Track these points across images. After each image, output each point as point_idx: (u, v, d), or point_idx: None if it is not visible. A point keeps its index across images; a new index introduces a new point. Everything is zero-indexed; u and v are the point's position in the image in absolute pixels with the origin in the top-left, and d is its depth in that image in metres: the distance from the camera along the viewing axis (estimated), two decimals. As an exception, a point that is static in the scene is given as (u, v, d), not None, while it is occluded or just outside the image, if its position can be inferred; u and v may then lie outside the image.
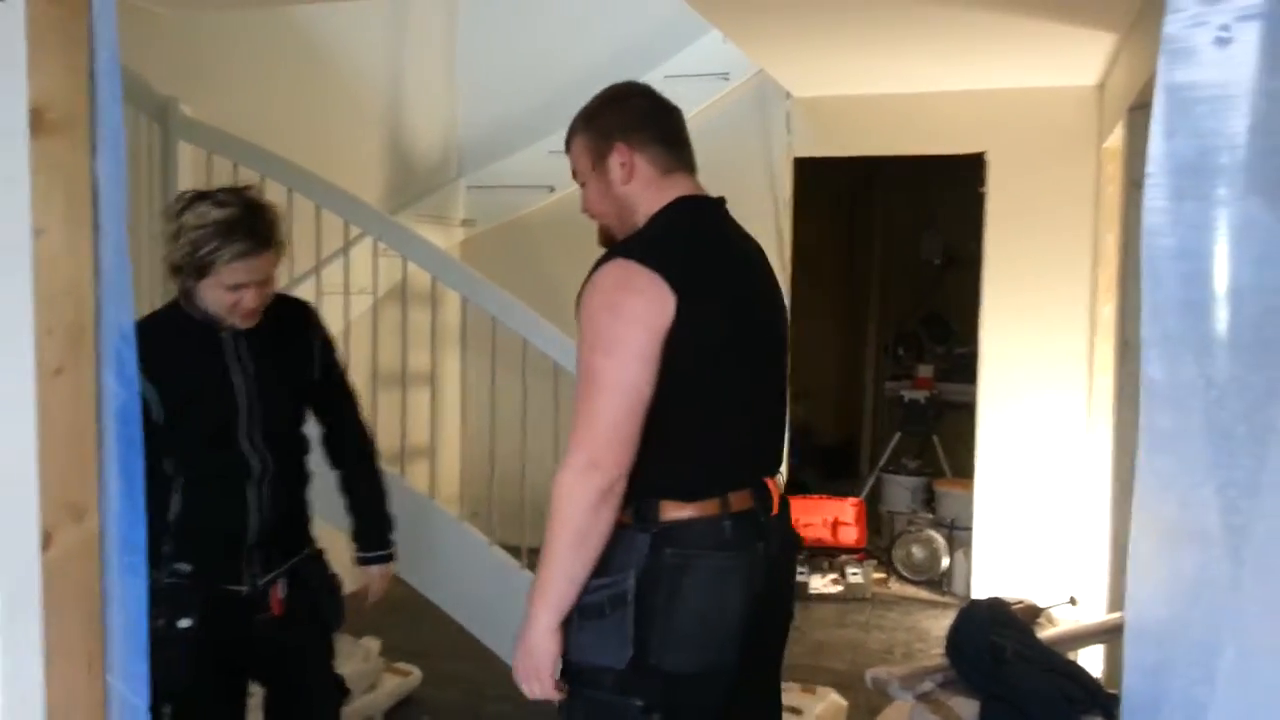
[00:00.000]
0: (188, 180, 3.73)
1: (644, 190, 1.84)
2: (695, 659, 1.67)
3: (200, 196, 2.01)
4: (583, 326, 1.68)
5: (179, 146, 3.70)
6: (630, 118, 1.87)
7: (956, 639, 2.90)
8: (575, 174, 1.94)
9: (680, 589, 1.66)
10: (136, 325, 1.79)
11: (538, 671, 1.65)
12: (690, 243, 1.77)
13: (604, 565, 1.65)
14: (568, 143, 1.93)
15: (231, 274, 1.95)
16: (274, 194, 3.54)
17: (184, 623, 1.99)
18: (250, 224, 1.97)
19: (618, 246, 1.78)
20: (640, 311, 1.63)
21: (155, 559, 1.92)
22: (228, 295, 1.97)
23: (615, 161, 1.84)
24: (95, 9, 1.07)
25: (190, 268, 1.95)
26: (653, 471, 1.64)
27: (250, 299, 1.99)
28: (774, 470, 1.84)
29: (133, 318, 1.08)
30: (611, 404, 1.61)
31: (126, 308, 1.07)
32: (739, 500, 1.71)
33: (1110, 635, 3.25)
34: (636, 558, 1.65)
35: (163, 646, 2.09)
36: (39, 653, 1.14)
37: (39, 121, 1.09)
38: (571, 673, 1.68)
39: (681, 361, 1.63)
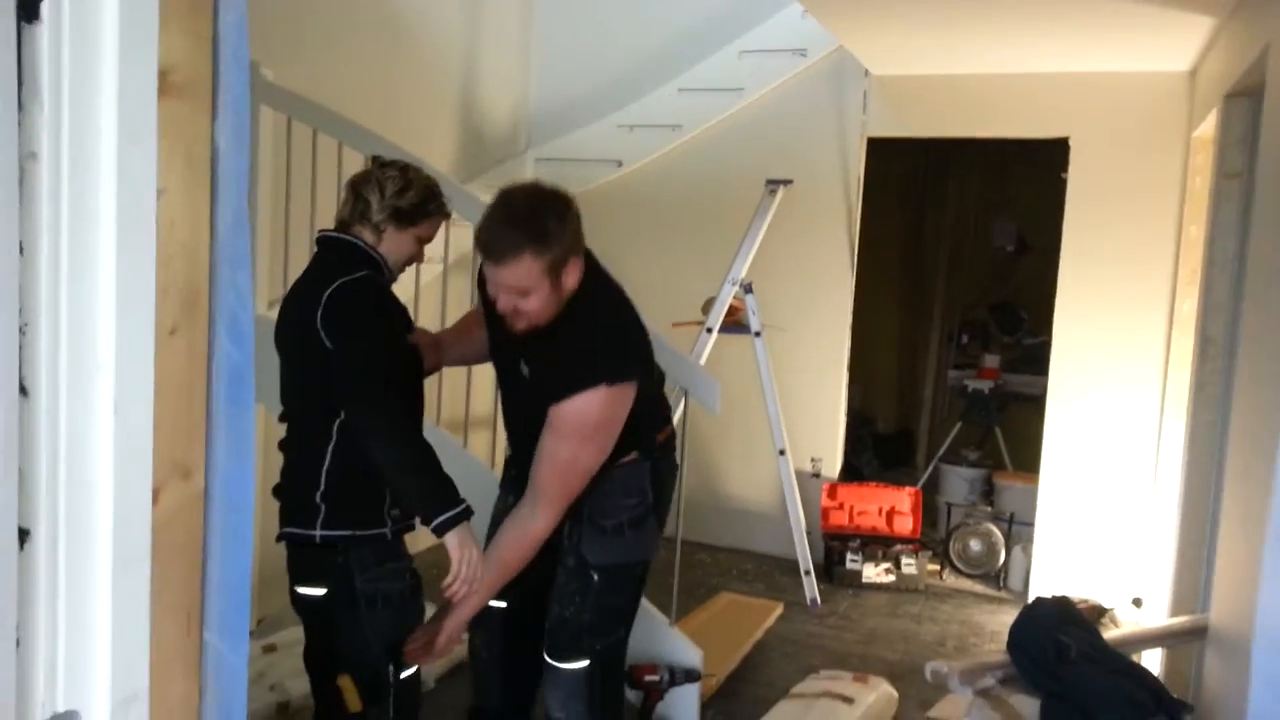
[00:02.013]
0: (268, 144, 3.78)
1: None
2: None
3: (403, 164, 2.29)
4: (575, 425, 2.13)
5: (260, 110, 3.74)
6: (579, 229, 2.16)
7: (1020, 635, 2.86)
8: (516, 290, 2.09)
9: (669, 489, 2.45)
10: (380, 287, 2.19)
11: (453, 639, 2.21)
12: (632, 319, 2.31)
13: (628, 489, 2.32)
14: (511, 255, 2.05)
15: (431, 227, 2.26)
16: (352, 160, 3.59)
17: (414, 569, 2.26)
18: (442, 194, 2.30)
19: (600, 369, 2.13)
20: (623, 412, 2.17)
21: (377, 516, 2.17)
22: (415, 247, 2.26)
23: (572, 273, 2.12)
24: (221, -31, 1.07)
25: (406, 214, 2.21)
26: (644, 427, 2.30)
27: (423, 254, 2.31)
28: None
29: (251, 279, 1.09)
30: (582, 481, 2.20)
31: (245, 269, 1.08)
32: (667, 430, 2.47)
33: (1177, 639, 3.18)
34: (648, 479, 2.35)
35: (410, 601, 2.22)
36: (146, 604, 1.16)
37: (164, 84, 1.10)
38: (624, 573, 2.37)
39: (642, 397, 2.22)
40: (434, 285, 4.27)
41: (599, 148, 5.45)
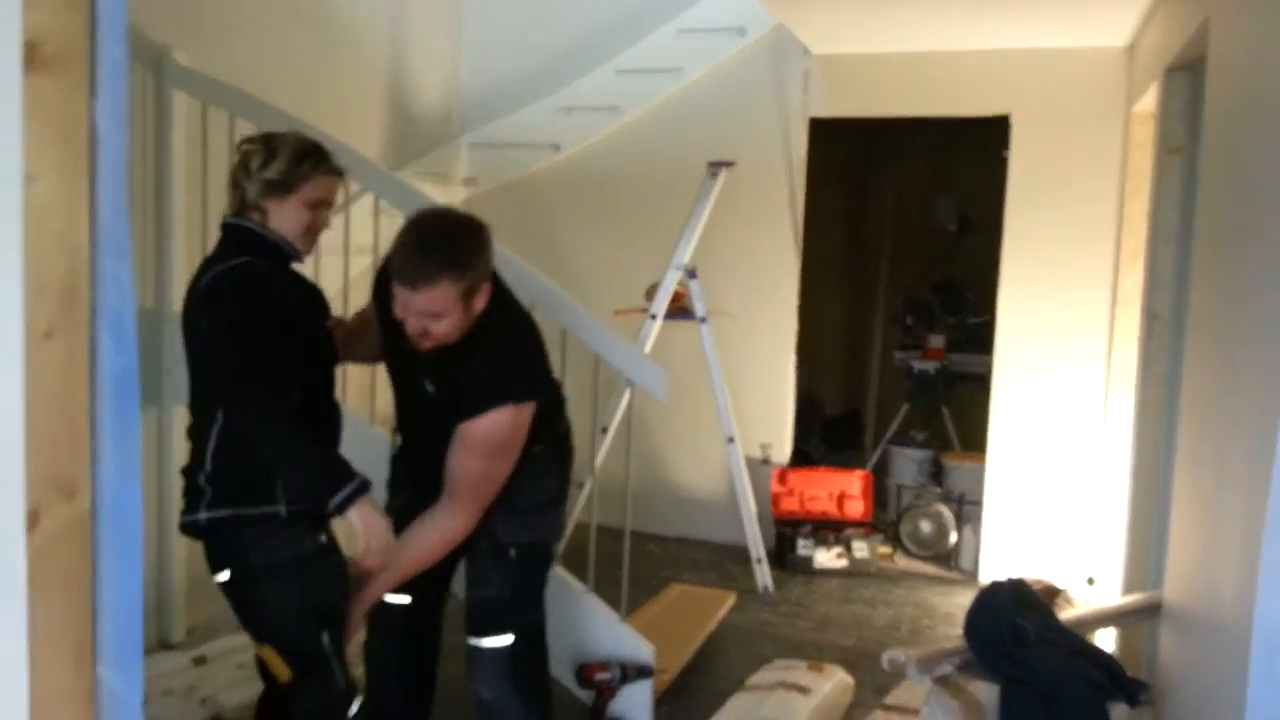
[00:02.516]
0: (181, 131, 3.59)
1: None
2: None
3: (267, 135, 2.20)
4: (485, 443, 2.23)
5: (174, 96, 3.55)
6: (490, 255, 2.22)
7: (976, 621, 2.82)
8: (428, 314, 2.13)
9: (569, 475, 2.63)
10: (277, 277, 2.13)
11: (358, 621, 2.29)
12: (534, 337, 2.40)
13: (536, 473, 2.44)
14: (427, 283, 2.09)
15: (315, 189, 2.15)
16: (274, 146, 3.41)
17: (322, 538, 2.18)
18: (324, 152, 2.20)
19: (508, 389, 2.24)
20: (526, 426, 2.29)
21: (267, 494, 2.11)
22: (307, 214, 2.16)
23: (482, 296, 2.19)
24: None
25: (279, 184, 2.12)
26: (547, 426, 2.43)
27: (326, 219, 2.21)
28: None
29: (131, 274, 0.96)
30: (496, 488, 2.30)
31: (124, 262, 0.95)
32: None
33: (1132, 617, 3.17)
34: (553, 466, 2.53)
35: (312, 566, 2.12)
36: (23, 643, 1.03)
37: (33, 57, 0.97)
38: (538, 551, 2.53)
39: (543, 404, 2.36)
40: (364, 277, 4.10)
41: (535, 131, 5.31)
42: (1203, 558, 2.48)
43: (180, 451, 3.63)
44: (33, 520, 1.00)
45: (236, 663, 3.23)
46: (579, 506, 4.39)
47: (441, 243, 2.13)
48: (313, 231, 2.20)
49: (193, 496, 2.14)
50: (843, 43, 4.66)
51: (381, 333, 2.40)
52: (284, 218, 2.14)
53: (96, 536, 1.05)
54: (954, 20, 4.17)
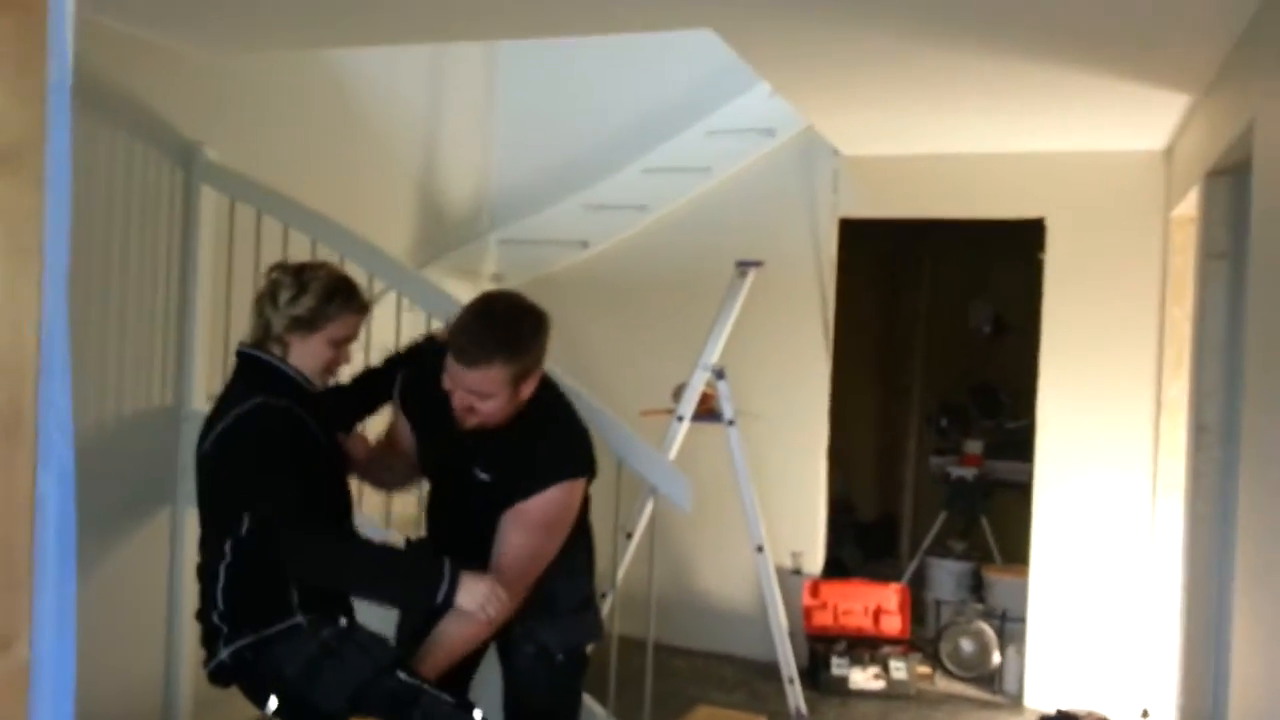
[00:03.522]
0: (210, 227, 3.58)
1: None
2: None
3: (298, 266, 2.23)
4: (541, 520, 2.23)
5: (202, 192, 3.55)
6: (547, 343, 2.24)
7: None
8: (476, 392, 2.14)
9: (594, 564, 2.58)
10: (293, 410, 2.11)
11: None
12: (579, 417, 2.39)
13: (577, 569, 2.42)
14: (481, 362, 2.11)
15: (341, 328, 2.16)
16: (297, 244, 3.39)
17: (341, 622, 2.17)
18: (354, 288, 2.23)
19: (565, 465, 2.27)
20: (578, 504, 2.33)
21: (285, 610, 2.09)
22: (330, 352, 2.17)
23: (530, 384, 2.20)
24: (51, 18, 0.86)
25: (305, 321, 2.12)
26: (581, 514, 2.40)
27: (348, 355, 2.23)
28: None
29: (69, 401, 0.86)
30: (539, 569, 2.26)
31: (65, 390, 0.85)
32: None
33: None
34: (582, 558, 2.47)
35: (342, 648, 2.09)
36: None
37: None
38: (580, 654, 2.44)
39: None
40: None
41: (564, 228, 5.29)
42: (1272, 692, 2.27)
43: (194, 552, 3.56)
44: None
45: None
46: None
47: (504, 324, 2.17)
48: (332, 368, 2.22)
49: (212, 639, 2.12)
50: (873, 144, 4.63)
51: (419, 438, 2.39)
52: (306, 354, 2.16)
53: (32, 694, 0.93)
54: (986, 123, 4.12)
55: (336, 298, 2.16)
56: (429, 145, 5.13)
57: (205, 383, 3.59)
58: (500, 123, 5.58)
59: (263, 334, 2.17)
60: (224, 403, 2.16)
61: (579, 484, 2.29)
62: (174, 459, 3.52)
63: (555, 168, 5.42)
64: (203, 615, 2.14)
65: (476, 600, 2.05)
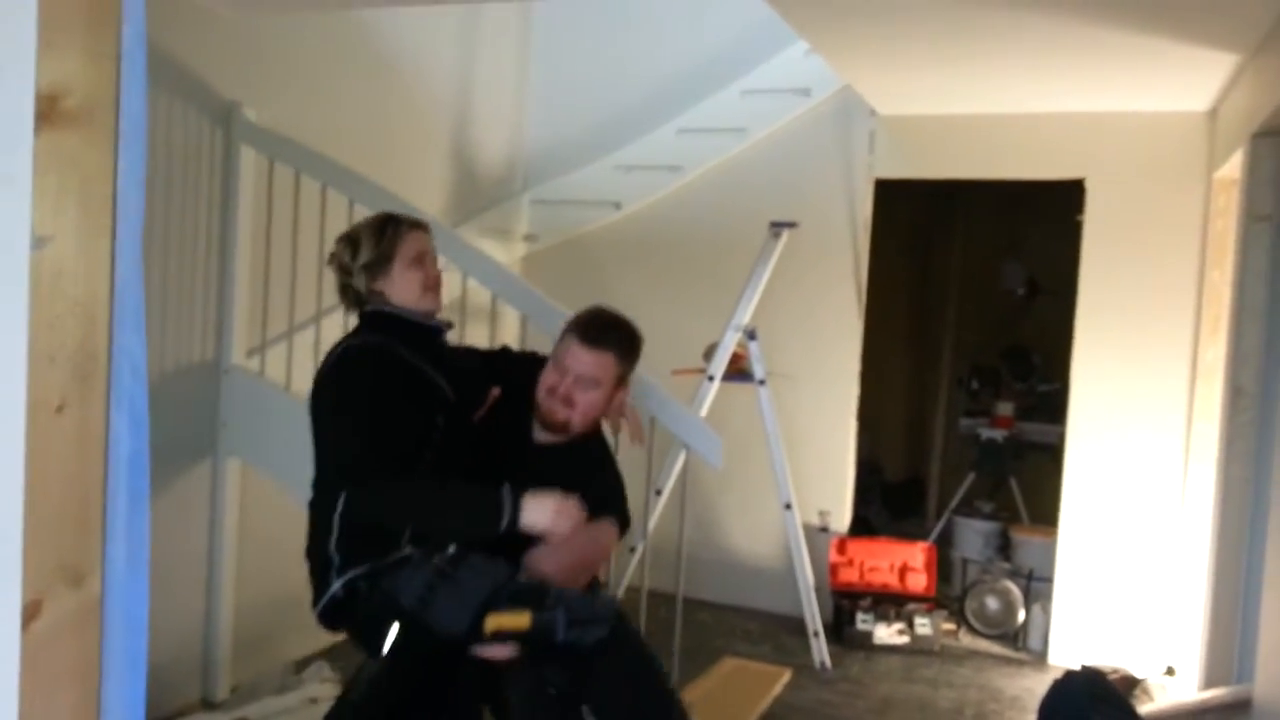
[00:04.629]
0: (249, 186, 3.62)
1: None
2: None
3: (343, 234, 2.33)
4: (591, 548, 2.29)
5: (241, 151, 3.59)
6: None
7: (1050, 715, 2.64)
8: (590, 378, 2.28)
9: None
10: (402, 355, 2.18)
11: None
12: None
13: None
14: (603, 345, 2.29)
15: (409, 247, 2.22)
16: (335, 204, 3.43)
17: (450, 550, 2.15)
18: (398, 216, 2.33)
19: (622, 503, 2.43)
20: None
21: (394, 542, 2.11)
22: (415, 273, 2.22)
23: (623, 393, 2.39)
24: (121, -24, 0.89)
25: (377, 261, 2.21)
26: None
27: (435, 271, 2.29)
28: None
29: (144, 347, 0.90)
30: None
31: (139, 335, 0.89)
32: None
33: (1218, 714, 2.95)
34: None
35: (457, 570, 2.07)
36: (25, 737, 0.95)
37: (51, 110, 0.91)
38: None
39: None
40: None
41: (597, 189, 5.29)
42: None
43: (234, 504, 3.65)
44: (33, 610, 0.92)
45: (279, 725, 3.17)
46: (630, 569, 4.27)
47: (625, 323, 2.38)
48: (429, 286, 2.27)
49: (323, 572, 2.10)
50: (911, 104, 4.58)
51: (461, 439, 2.31)
52: (398, 287, 2.22)
53: (106, 629, 0.98)
54: (1027, 83, 4.07)
55: (387, 228, 2.24)
56: (463, 106, 5.14)
57: (245, 338, 3.66)
58: (534, 83, 5.57)
59: (358, 301, 2.27)
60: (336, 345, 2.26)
61: (616, 530, 2.37)
62: (214, 413, 3.59)
63: (589, 128, 5.41)
64: (313, 549, 2.14)
65: (547, 515, 2.04)
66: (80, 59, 0.93)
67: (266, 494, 3.65)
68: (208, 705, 3.52)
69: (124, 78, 0.90)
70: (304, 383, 3.48)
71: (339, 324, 2.69)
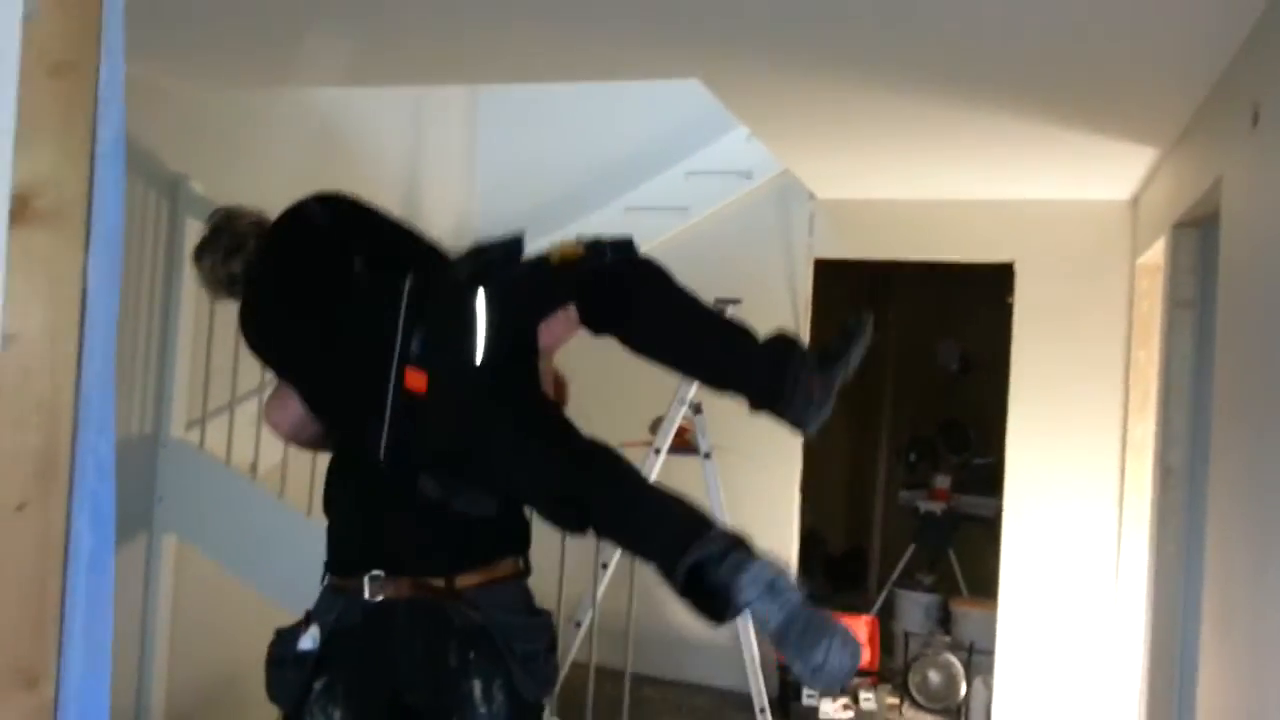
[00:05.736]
0: (192, 260, 3.58)
1: None
2: None
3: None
4: None
5: (187, 224, 3.57)
6: None
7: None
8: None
9: None
10: None
11: None
12: None
13: (530, 608, 2.15)
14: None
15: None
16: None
17: None
18: None
19: None
20: None
21: None
22: None
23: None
24: (102, 83, 0.91)
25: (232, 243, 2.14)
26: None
27: None
28: None
29: (113, 446, 0.89)
30: None
31: (106, 435, 0.88)
32: None
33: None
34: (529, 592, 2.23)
35: None
36: None
37: (23, 210, 0.92)
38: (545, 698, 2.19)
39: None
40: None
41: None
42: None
43: (169, 582, 3.54)
44: (-17, 716, 0.90)
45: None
46: (576, 645, 4.22)
47: None
48: None
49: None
50: (847, 188, 4.73)
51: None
52: None
53: (57, 734, 0.96)
54: (957, 171, 4.24)
55: (214, 217, 2.25)
56: (411, 182, 5.17)
57: (185, 410, 3.59)
58: (482, 161, 5.64)
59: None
60: None
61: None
62: (150, 488, 3.51)
63: (537, 208, 5.48)
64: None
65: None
66: (54, 159, 0.94)
67: (204, 572, 3.56)
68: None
69: (101, 180, 0.91)
70: (245, 455, 3.44)
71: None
